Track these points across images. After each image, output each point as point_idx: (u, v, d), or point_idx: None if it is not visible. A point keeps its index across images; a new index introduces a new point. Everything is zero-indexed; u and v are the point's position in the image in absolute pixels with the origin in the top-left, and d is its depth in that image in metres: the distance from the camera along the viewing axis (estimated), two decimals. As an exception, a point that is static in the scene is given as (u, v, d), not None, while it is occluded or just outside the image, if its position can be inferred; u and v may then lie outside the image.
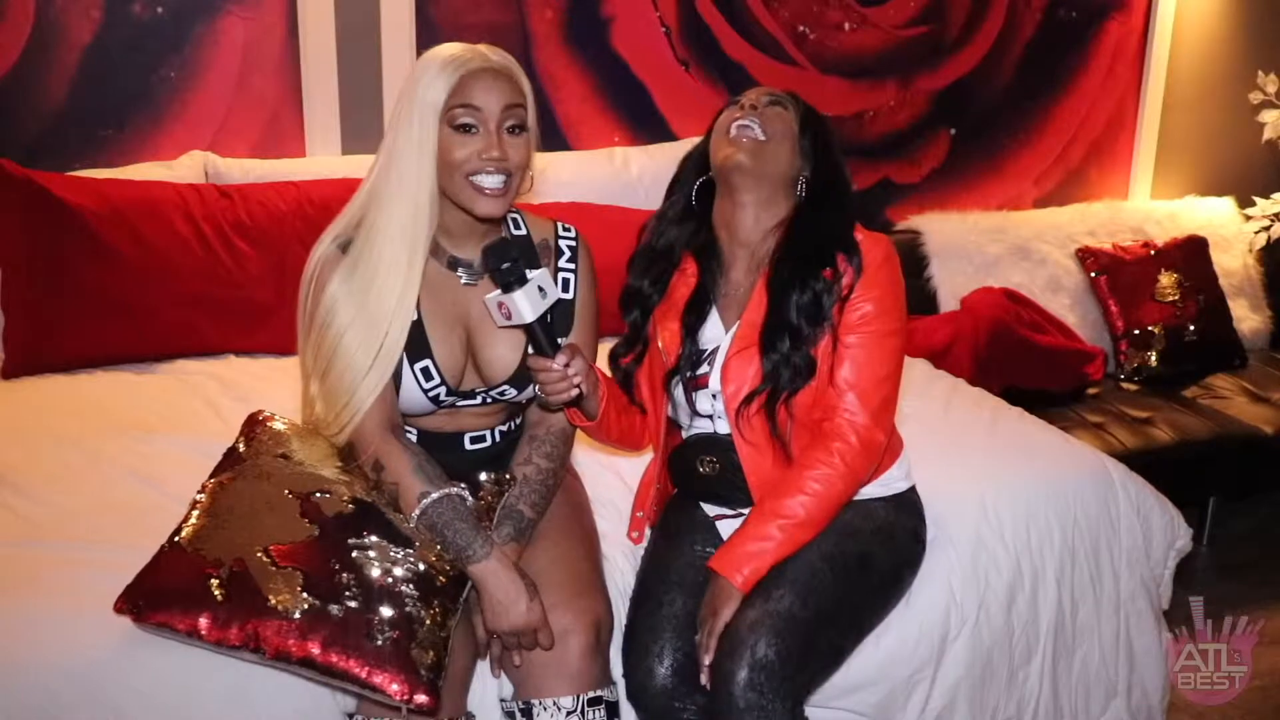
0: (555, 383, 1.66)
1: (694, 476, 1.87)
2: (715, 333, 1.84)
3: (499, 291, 1.61)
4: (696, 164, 1.91)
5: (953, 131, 3.63)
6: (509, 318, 1.61)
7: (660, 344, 1.85)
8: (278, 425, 1.79)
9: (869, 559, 1.78)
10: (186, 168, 2.78)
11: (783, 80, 3.35)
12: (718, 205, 1.86)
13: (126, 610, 1.53)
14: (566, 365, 1.65)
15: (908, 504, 1.89)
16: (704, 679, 1.65)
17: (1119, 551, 2.19)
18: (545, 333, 1.64)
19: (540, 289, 1.61)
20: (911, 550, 1.89)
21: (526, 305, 1.60)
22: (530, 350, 1.68)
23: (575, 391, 1.67)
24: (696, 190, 1.89)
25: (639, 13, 3.18)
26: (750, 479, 1.80)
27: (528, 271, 1.61)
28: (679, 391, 1.85)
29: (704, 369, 1.82)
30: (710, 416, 1.84)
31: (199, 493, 1.68)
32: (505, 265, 1.60)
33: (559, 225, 1.86)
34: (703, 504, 1.90)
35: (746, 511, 1.83)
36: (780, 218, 1.84)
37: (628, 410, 1.90)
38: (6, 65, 2.69)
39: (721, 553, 1.74)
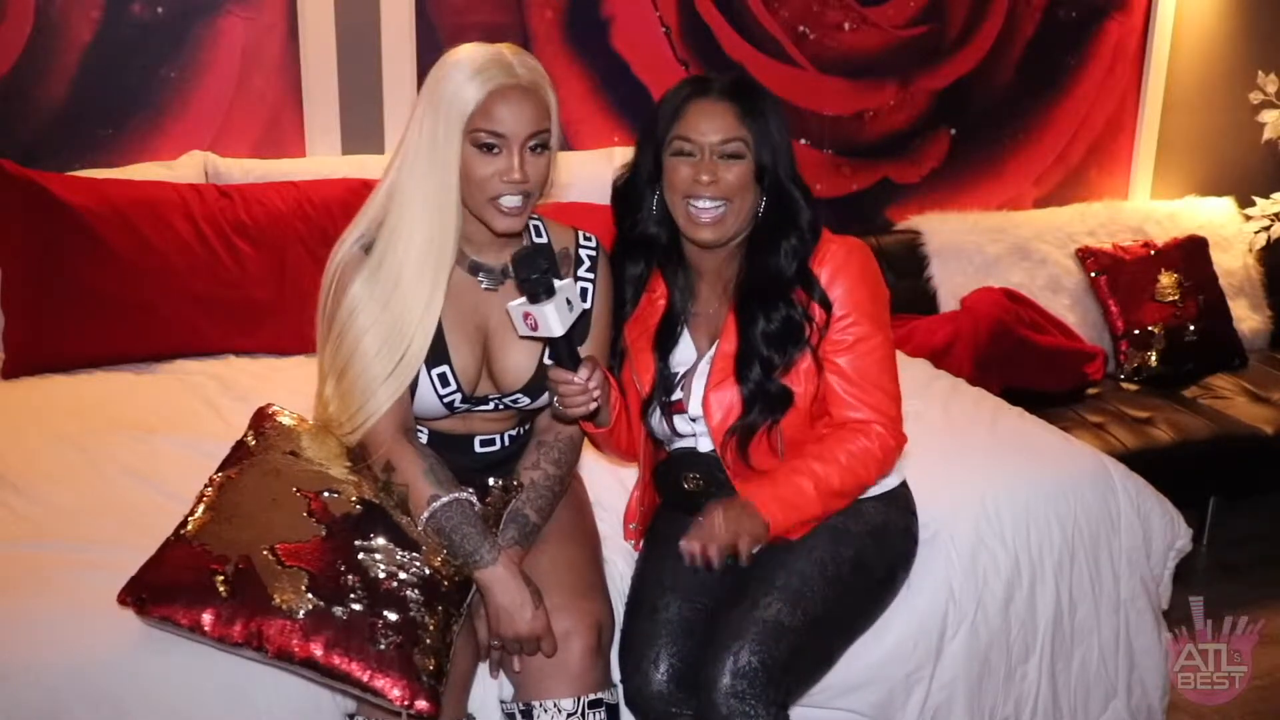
0: (574, 396, 1.64)
1: (680, 492, 1.86)
2: (687, 355, 1.83)
3: (523, 300, 1.59)
4: (649, 178, 1.81)
5: (953, 131, 3.63)
6: (534, 329, 1.59)
7: (634, 373, 1.84)
8: (285, 420, 1.79)
9: (862, 562, 1.78)
10: (186, 168, 2.78)
11: (783, 81, 3.35)
12: (684, 239, 1.83)
13: (130, 603, 1.53)
14: (588, 379, 1.63)
15: (900, 500, 1.88)
16: (691, 556, 1.63)
17: (1119, 551, 2.19)
18: (569, 346, 1.63)
19: (568, 301, 1.59)
20: (904, 547, 1.88)
21: (555, 319, 1.58)
22: (551, 361, 1.67)
23: (594, 405, 1.66)
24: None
25: (639, 13, 3.18)
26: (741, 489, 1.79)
27: (556, 282, 1.59)
28: (656, 419, 1.84)
29: (678, 395, 1.81)
30: (692, 435, 1.83)
31: (206, 486, 1.68)
32: (534, 276, 1.57)
33: (580, 234, 1.85)
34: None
35: None
36: (743, 237, 1.81)
37: (636, 421, 1.88)
38: (6, 65, 2.69)
39: (754, 488, 1.71)
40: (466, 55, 1.63)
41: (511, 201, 1.64)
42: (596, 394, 1.65)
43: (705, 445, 1.82)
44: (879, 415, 1.76)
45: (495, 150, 1.62)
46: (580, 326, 1.74)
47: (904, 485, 1.91)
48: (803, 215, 1.77)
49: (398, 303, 1.64)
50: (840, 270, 1.76)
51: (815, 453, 1.74)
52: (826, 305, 1.76)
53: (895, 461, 1.81)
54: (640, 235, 1.84)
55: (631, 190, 1.84)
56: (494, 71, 1.61)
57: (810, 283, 1.76)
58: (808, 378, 1.76)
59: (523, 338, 1.67)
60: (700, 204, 1.73)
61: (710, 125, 1.73)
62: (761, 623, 1.66)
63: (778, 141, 1.76)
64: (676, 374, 1.82)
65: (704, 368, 1.80)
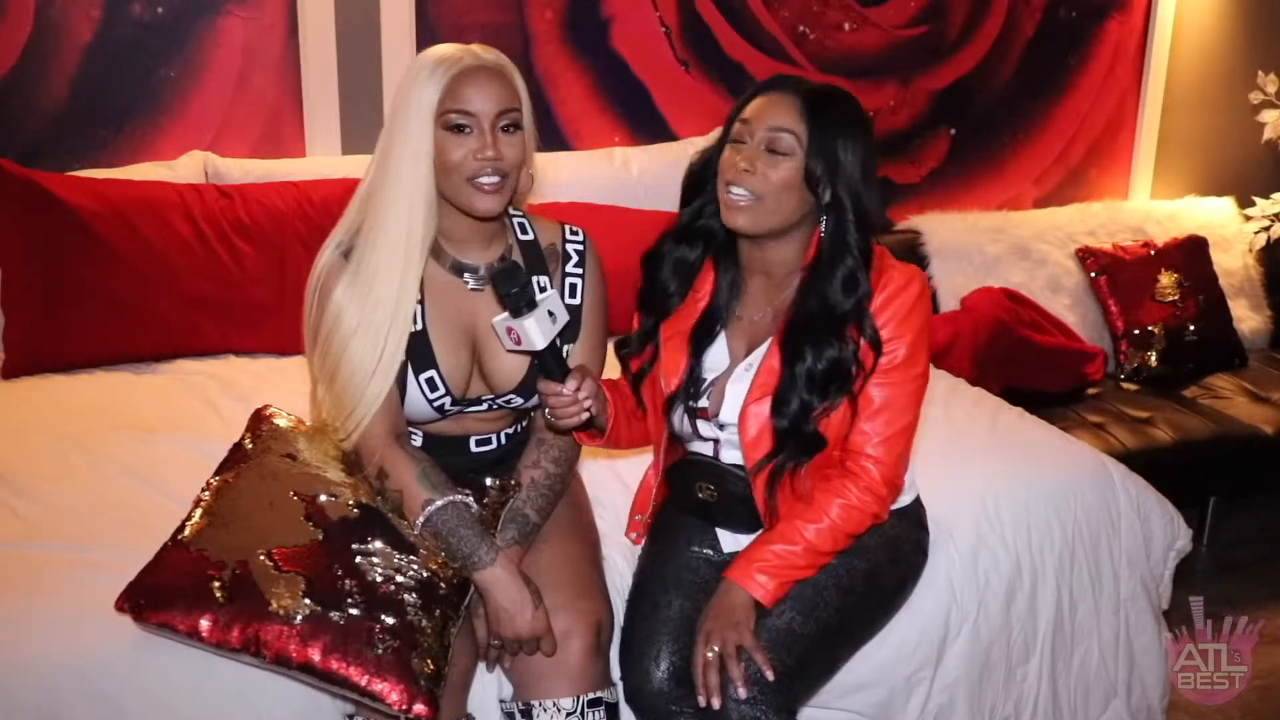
0: (565, 407, 1.64)
1: (692, 498, 1.84)
2: (719, 359, 1.78)
3: (507, 315, 1.59)
4: (714, 170, 1.75)
5: (953, 131, 3.63)
6: (519, 343, 1.59)
7: (662, 371, 1.79)
8: (281, 422, 1.79)
9: (875, 575, 1.78)
10: (186, 168, 2.78)
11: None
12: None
13: (127, 609, 1.54)
14: (577, 390, 1.62)
15: (912, 515, 1.88)
16: (709, 702, 1.61)
17: (1119, 551, 2.19)
18: (555, 357, 1.62)
19: (550, 313, 1.59)
20: (915, 561, 1.89)
21: (537, 332, 1.58)
22: (540, 374, 1.67)
23: (585, 416, 1.65)
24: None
25: (639, 13, 3.18)
26: (767, 521, 1.77)
27: (538, 294, 1.59)
28: (679, 417, 1.79)
29: (704, 402, 1.76)
30: (714, 440, 1.79)
31: (203, 490, 1.68)
32: (514, 290, 1.58)
33: (566, 228, 1.84)
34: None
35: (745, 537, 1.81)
36: (804, 249, 1.73)
37: (636, 417, 1.86)
38: (6, 65, 2.69)
39: (741, 563, 1.70)
40: (429, 53, 1.67)
41: (488, 180, 1.64)
42: (588, 404, 1.64)
43: (727, 455, 1.78)
44: (887, 454, 1.71)
45: (467, 130, 1.63)
46: (569, 329, 1.74)
47: (917, 501, 1.90)
48: (851, 235, 1.67)
49: (374, 301, 1.65)
50: (896, 295, 1.69)
51: (809, 513, 1.70)
52: (876, 345, 1.69)
53: (888, 508, 1.76)
54: (700, 227, 1.78)
55: (700, 175, 1.78)
56: (458, 57, 1.64)
57: (863, 318, 1.68)
58: (842, 417, 1.72)
59: (510, 352, 1.67)
60: (736, 190, 1.67)
61: (768, 112, 1.67)
62: (775, 629, 1.66)
63: (843, 158, 1.65)
64: (705, 379, 1.77)
65: (743, 375, 1.74)
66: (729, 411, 1.74)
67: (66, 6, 2.70)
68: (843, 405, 1.70)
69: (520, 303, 1.58)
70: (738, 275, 1.79)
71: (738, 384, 1.74)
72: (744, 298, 1.79)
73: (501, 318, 1.60)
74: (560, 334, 1.75)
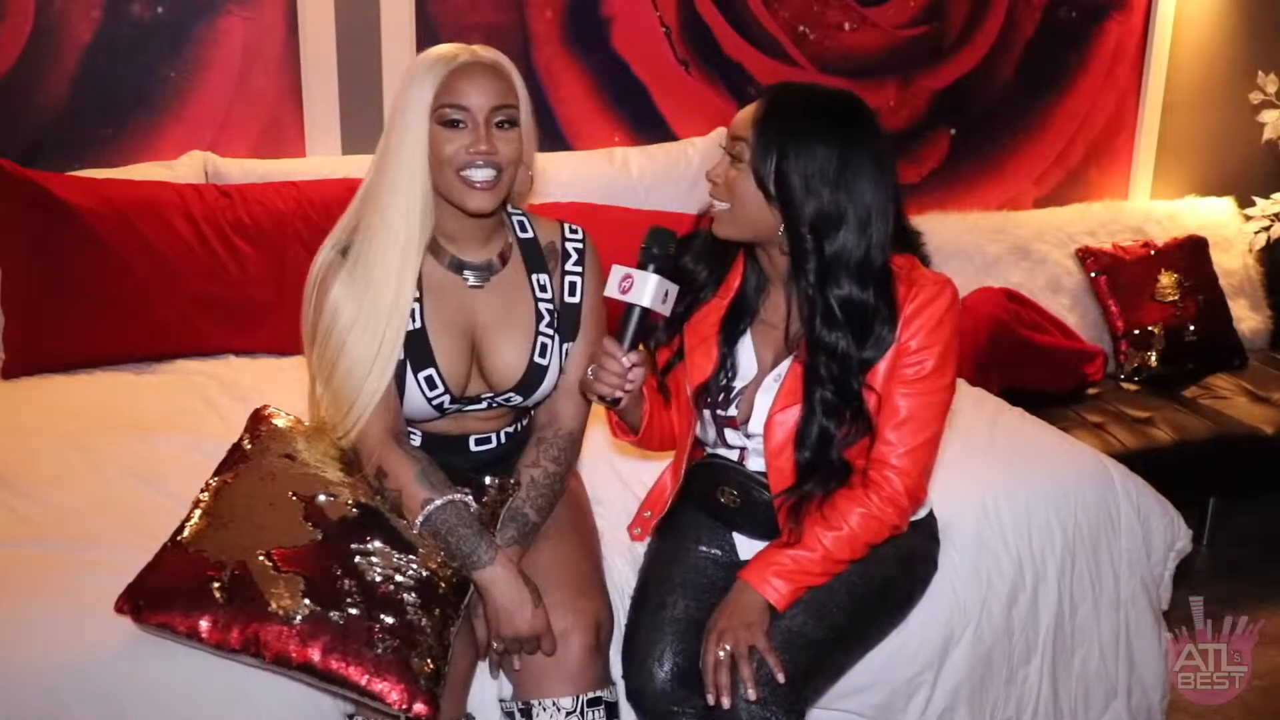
0: (610, 375, 1.63)
1: (713, 501, 1.84)
2: (747, 365, 1.77)
3: (632, 269, 1.60)
4: None
5: (953, 131, 3.63)
6: (625, 291, 1.60)
7: (686, 372, 1.78)
8: (280, 422, 1.79)
9: (887, 583, 1.78)
10: (186, 168, 2.78)
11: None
12: None
13: (127, 610, 1.54)
14: (631, 367, 1.62)
15: (926, 527, 1.88)
16: (718, 700, 1.60)
17: (1119, 552, 2.19)
18: (639, 326, 1.63)
19: (666, 294, 1.61)
20: (926, 571, 1.89)
21: (652, 289, 1.59)
22: (615, 333, 1.65)
23: (619, 396, 1.65)
24: None
25: (639, 13, 3.18)
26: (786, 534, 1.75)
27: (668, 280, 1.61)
28: (706, 422, 1.78)
29: (733, 410, 1.76)
30: (741, 448, 1.79)
31: (202, 491, 1.68)
32: (658, 252, 1.60)
33: (565, 227, 1.84)
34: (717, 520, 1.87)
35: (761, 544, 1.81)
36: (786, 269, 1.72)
37: (669, 420, 1.83)
38: (6, 65, 2.69)
39: (758, 565, 1.70)
40: (428, 52, 1.68)
41: (481, 175, 1.64)
42: (630, 388, 1.64)
43: (753, 463, 1.78)
44: (912, 465, 1.69)
45: (461, 125, 1.63)
46: (567, 322, 1.76)
47: (931, 514, 1.90)
48: (806, 246, 1.62)
49: (373, 297, 1.65)
50: (926, 305, 1.67)
51: (829, 521, 1.69)
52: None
53: (908, 520, 1.75)
54: None
55: None
56: (454, 55, 1.65)
57: (866, 342, 1.66)
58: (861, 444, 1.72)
59: (605, 297, 1.67)
60: (713, 201, 1.71)
61: (736, 121, 1.69)
62: (787, 632, 1.66)
63: (792, 165, 1.61)
64: (734, 387, 1.76)
65: (770, 386, 1.73)
66: (758, 421, 1.74)
67: (66, 6, 2.70)
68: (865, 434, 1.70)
69: (660, 264, 1.60)
70: (763, 276, 1.79)
71: (766, 394, 1.74)
72: (768, 302, 1.79)
73: (624, 268, 1.61)
74: (560, 333, 1.75)
